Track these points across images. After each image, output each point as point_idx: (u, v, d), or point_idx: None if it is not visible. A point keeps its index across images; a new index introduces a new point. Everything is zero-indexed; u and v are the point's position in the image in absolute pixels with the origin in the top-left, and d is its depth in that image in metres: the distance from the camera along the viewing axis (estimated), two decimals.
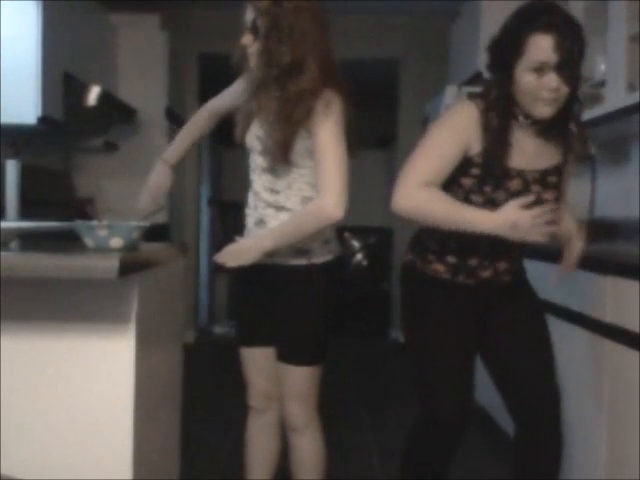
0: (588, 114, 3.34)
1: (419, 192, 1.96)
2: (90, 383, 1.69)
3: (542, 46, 1.90)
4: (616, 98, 3.08)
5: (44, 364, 1.69)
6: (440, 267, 2.12)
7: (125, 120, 5.17)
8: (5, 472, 1.66)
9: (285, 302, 2.18)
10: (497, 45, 2.00)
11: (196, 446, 3.42)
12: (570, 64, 1.92)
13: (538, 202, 2.03)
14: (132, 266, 1.58)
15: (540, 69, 1.91)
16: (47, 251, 1.67)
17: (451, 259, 2.11)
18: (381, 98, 7.29)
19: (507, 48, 1.96)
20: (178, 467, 2.29)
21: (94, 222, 1.74)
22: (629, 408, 2.24)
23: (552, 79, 1.91)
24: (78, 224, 1.73)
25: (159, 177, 2.45)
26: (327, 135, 2.04)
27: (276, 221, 2.15)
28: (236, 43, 2.12)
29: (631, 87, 3.01)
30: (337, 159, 2.03)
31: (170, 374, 2.15)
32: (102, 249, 1.69)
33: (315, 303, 2.17)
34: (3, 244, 1.71)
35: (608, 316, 2.37)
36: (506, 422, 3.63)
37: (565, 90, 1.94)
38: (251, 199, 2.24)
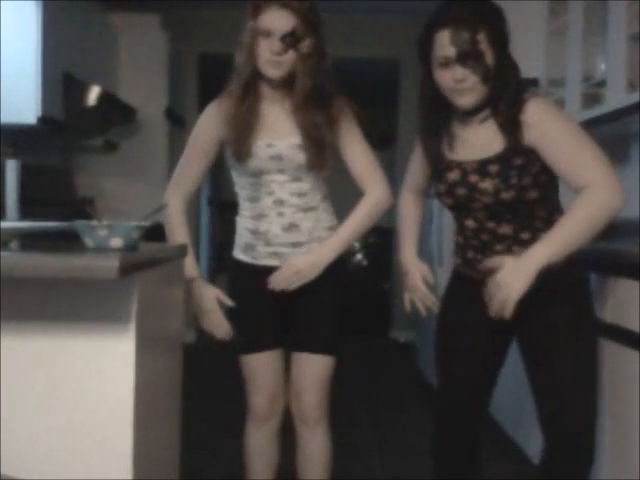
0: (588, 114, 3.35)
1: (404, 193, 2.38)
2: (90, 383, 1.69)
3: (441, 41, 1.94)
4: (616, 98, 3.08)
5: (44, 364, 1.69)
6: (457, 259, 2.22)
7: (125, 120, 5.17)
8: (5, 472, 1.66)
9: (302, 294, 2.20)
10: (417, 45, 2.04)
11: (196, 446, 3.43)
12: (474, 54, 1.92)
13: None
14: (132, 266, 1.57)
15: (445, 64, 1.95)
16: (47, 251, 1.67)
17: (459, 251, 2.19)
18: (381, 98, 7.29)
19: (422, 49, 2.02)
20: (178, 467, 2.29)
21: (94, 222, 1.74)
22: (629, 408, 2.24)
23: (456, 71, 1.94)
24: (78, 224, 1.73)
25: (210, 299, 2.27)
26: (358, 136, 2.24)
27: (307, 222, 2.22)
28: (261, 49, 2.09)
29: (631, 87, 3.01)
30: (371, 154, 2.26)
31: (170, 374, 2.15)
32: (102, 249, 1.69)
33: (330, 293, 2.25)
34: (3, 244, 1.71)
35: (608, 316, 2.37)
36: (506, 422, 3.64)
37: (474, 79, 1.94)
38: (270, 210, 2.21)
